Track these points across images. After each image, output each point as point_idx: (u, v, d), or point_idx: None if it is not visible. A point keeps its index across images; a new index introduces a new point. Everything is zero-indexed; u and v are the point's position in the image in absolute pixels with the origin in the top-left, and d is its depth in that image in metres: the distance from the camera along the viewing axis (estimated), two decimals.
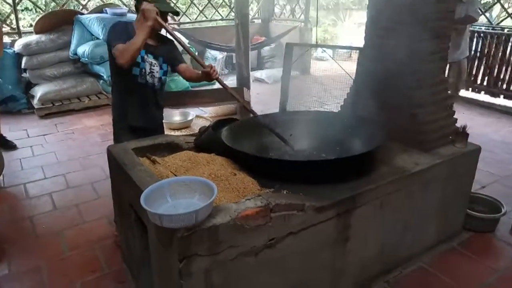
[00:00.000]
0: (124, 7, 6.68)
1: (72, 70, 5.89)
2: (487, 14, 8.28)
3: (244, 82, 5.22)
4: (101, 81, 5.88)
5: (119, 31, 2.34)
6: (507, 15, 5.81)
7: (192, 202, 1.61)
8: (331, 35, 10.76)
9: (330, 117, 2.57)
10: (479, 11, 4.40)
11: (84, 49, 5.62)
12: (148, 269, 1.91)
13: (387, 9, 2.47)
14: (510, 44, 5.47)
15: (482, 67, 5.80)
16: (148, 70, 2.50)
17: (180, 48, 2.61)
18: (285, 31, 7.13)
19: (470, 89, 5.94)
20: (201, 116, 5.11)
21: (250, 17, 7.75)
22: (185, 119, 4.77)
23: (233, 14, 7.34)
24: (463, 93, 5.88)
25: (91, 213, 3.06)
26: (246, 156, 2.05)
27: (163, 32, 2.52)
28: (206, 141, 2.28)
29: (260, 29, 8.42)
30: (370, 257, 2.18)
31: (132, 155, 2.14)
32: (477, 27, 6.01)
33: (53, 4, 7.69)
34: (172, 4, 7.23)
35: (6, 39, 5.85)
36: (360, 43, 2.72)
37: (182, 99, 4.31)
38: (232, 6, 8.29)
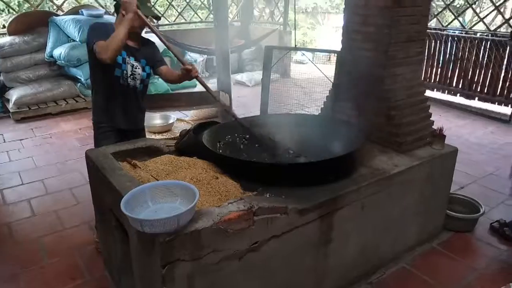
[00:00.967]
0: (101, 8, 6.56)
1: (48, 73, 5.76)
2: (460, 19, 8.51)
3: (225, 84, 5.20)
4: (79, 84, 5.77)
5: (99, 30, 2.31)
6: (479, 19, 5.97)
7: (174, 206, 1.59)
8: (310, 38, 10.86)
9: (310, 120, 2.59)
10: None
11: (60, 52, 5.50)
12: (130, 276, 1.88)
13: (359, 13, 2.50)
14: (482, 47, 5.63)
15: (457, 70, 5.94)
16: (129, 72, 2.47)
17: (160, 47, 2.59)
18: (264, 34, 7.15)
19: (446, 91, 6.08)
20: (182, 119, 5.08)
21: (229, 19, 7.74)
22: (166, 122, 4.73)
23: (212, 16, 7.33)
24: (439, 95, 6.03)
25: (71, 219, 3.00)
26: (228, 159, 2.04)
27: (144, 34, 2.50)
28: (187, 145, 2.26)
29: (240, 31, 8.43)
30: (352, 258, 2.20)
31: (111, 159, 2.11)
32: (451, 31, 6.17)
33: (26, 5, 7.52)
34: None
35: None
36: (338, 46, 2.75)
37: (163, 102, 4.28)
38: (211, 8, 8.27)
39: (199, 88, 6.59)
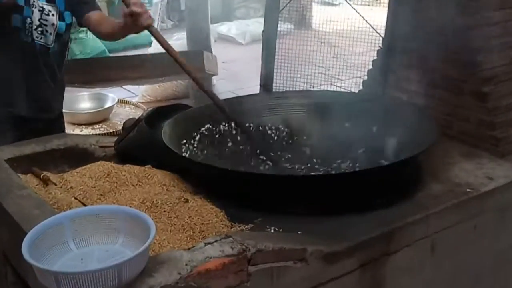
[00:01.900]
0: None
1: None
2: None
3: (200, 41, 5.20)
4: None
5: None
6: None
7: (113, 250, 1.59)
8: None
9: (345, 101, 2.59)
10: None
11: None
12: None
13: None
14: None
15: None
16: (36, 22, 2.49)
17: None
18: None
19: None
20: (126, 101, 5.08)
21: None
22: (100, 106, 4.72)
23: None
24: None
25: None
26: (206, 169, 2.04)
27: None
28: (136, 145, 2.27)
29: None
30: None
31: (6, 170, 2.10)
32: None
33: None
34: None
35: None
36: None
37: (95, 73, 4.27)
38: None
39: (156, 47, 6.58)
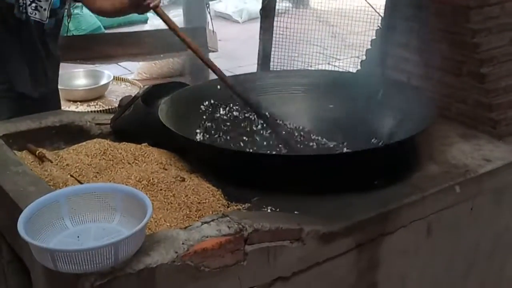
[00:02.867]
0: None
1: None
2: None
3: (196, 18, 5.17)
4: None
5: None
6: None
7: (110, 228, 1.59)
8: None
9: (343, 81, 2.58)
10: None
11: None
12: None
13: None
14: None
15: None
16: None
17: None
18: None
19: None
20: (122, 78, 5.06)
21: None
22: (95, 83, 4.71)
23: None
24: None
25: None
26: (202, 148, 2.04)
27: None
28: (133, 123, 2.27)
29: None
30: None
31: (2, 146, 2.10)
32: None
33: None
34: None
35: None
36: None
37: (90, 49, 4.25)
38: None
39: (152, 24, 6.54)
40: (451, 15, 2.50)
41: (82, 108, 4.38)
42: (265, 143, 2.33)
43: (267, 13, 3.81)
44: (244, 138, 2.34)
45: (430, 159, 2.24)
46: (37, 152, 2.10)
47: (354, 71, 3.11)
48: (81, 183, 1.90)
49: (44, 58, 2.62)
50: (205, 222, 1.68)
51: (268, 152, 2.25)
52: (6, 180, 1.86)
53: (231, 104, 2.40)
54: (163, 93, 2.33)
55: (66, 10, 2.67)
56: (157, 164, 2.04)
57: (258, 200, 1.89)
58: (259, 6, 3.86)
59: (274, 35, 3.85)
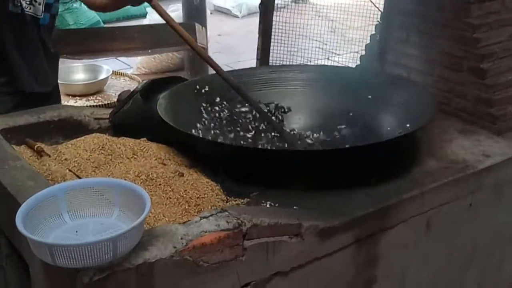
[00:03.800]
0: None
1: None
2: None
3: (195, 13, 5.17)
4: None
5: None
6: None
7: (108, 223, 1.59)
8: None
9: (342, 76, 2.59)
10: None
11: None
12: None
13: None
14: None
15: None
16: None
17: None
18: None
19: None
20: (121, 72, 5.06)
21: None
22: (94, 77, 4.71)
23: None
24: None
25: None
26: (203, 143, 2.03)
27: None
28: (131, 117, 2.27)
29: None
30: None
31: (0, 140, 2.10)
32: None
33: None
34: None
35: None
36: None
37: (89, 44, 4.24)
38: None
39: (151, 18, 6.54)
40: (451, 9, 2.50)
41: (81, 102, 4.39)
42: (264, 138, 2.33)
43: (267, 7, 3.82)
44: (243, 133, 2.33)
45: (429, 155, 2.24)
46: (35, 147, 2.09)
47: (354, 66, 3.11)
48: (79, 177, 1.90)
49: (42, 53, 2.61)
50: (204, 217, 1.68)
51: (268, 147, 2.25)
52: (4, 175, 1.85)
53: (230, 99, 2.40)
54: (162, 88, 2.33)
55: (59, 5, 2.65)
56: (156, 159, 2.04)
57: (257, 195, 1.89)
58: (259, 0, 3.87)
59: (273, 30, 3.86)
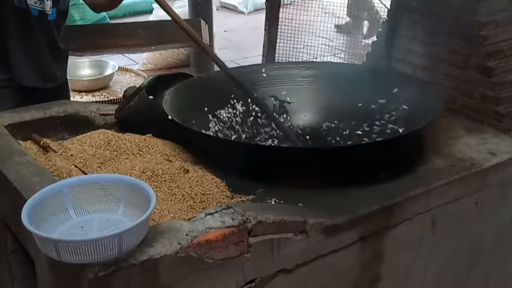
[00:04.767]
0: None
1: None
2: None
3: (202, 9, 5.17)
4: None
5: None
6: None
7: (113, 219, 1.59)
8: None
9: (348, 73, 2.58)
10: None
11: None
12: None
13: None
14: None
15: None
16: None
17: None
18: None
19: None
20: (127, 68, 5.06)
21: None
22: (100, 73, 4.71)
23: None
24: None
25: None
26: (208, 140, 2.04)
27: None
28: (137, 113, 2.26)
29: None
30: None
31: (6, 136, 2.10)
32: None
33: None
34: None
35: None
36: None
37: (95, 39, 4.24)
38: None
39: (157, 15, 6.54)
40: (458, 7, 2.49)
41: (86, 98, 4.39)
42: (269, 135, 2.33)
43: (273, 4, 3.81)
44: (249, 129, 2.34)
45: (435, 152, 2.24)
46: (41, 142, 2.10)
47: (360, 63, 3.10)
48: (85, 173, 1.90)
49: (48, 50, 2.61)
50: (209, 214, 1.68)
51: (273, 144, 2.25)
52: (10, 170, 1.86)
53: (236, 96, 2.40)
54: (167, 84, 2.33)
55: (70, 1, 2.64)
56: (161, 155, 2.04)
57: (262, 192, 1.89)
58: None
59: (279, 26, 3.85)
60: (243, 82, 2.38)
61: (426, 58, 2.61)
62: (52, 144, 2.09)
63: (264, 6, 3.89)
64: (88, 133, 2.16)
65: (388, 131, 2.26)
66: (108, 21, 6.89)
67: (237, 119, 2.37)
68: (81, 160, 1.99)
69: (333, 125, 2.40)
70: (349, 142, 2.29)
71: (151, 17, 6.49)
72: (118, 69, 4.78)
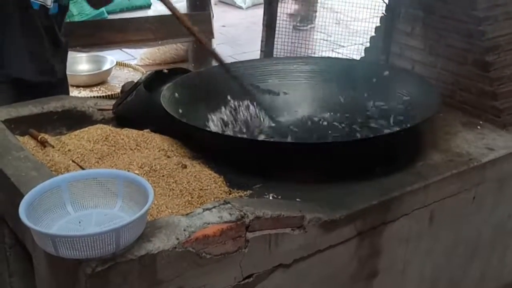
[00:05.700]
0: None
1: None
2: None
3: (200, 4, 5.16)
4: None
5: None
6: None
7: (111, 214, 1.59)
8: None
9: (347, 69, 2.57)
10: None
11: None
12: None
13: None
14: None
15: None
16: None
17: None
18: None
19: None
20: (125, 63, 5.04)
21: None
22: (98, 68, 4.69)
23: None
24: None
25: None
26: (206, 135, 2.04)
27: None
28: (135, 109, 2.26)
29: None
30: None
31: (4, 131, 2.10)
32: None
33: None
34: None
35: None
36: None
37: (93, 34, 4.24)
38: None
39: (156, 9, 6.54)
40: (457, 2, 2.49)
41: (84, 93, 4.37)
42: (267, 130, 2.33)
43: None
44: (247, 125, 2.34)
45: (433, 148, 2.24)
46: (39, 137, 2.09)
47: (358, 58, 3.10)
48: (83, 168, 1.90)
49: (47, 44, 2.60)
50: (207, 209, 1.68)
51: (270, 139, 2.25)
52: (8, 165, 1.86)
53: (234, 91, 2.39)
54: (165, 79, 2.33)
55: None
56: (159, 151, 2.04)
57: (260, 187, 1.89)
58: None
59: (278, 23, 3.84)
60: (241, 77, 2.38)
61: (424, 53, 2.61)
62: (49, 139, 2.08)
63: (262, 1, 3.88)
64: (86, 128, 2.16)
65: (386, 126, 2.26)
66: (106, 16, 6.88)
67: (236, 114, 2.37)
68: (79, 155, 1.99)
69: (331, 120, 2.40)
70: (346, 137, 2.29)
71: (150, 12, 6.48)
72: (116, 64, 4.76)
